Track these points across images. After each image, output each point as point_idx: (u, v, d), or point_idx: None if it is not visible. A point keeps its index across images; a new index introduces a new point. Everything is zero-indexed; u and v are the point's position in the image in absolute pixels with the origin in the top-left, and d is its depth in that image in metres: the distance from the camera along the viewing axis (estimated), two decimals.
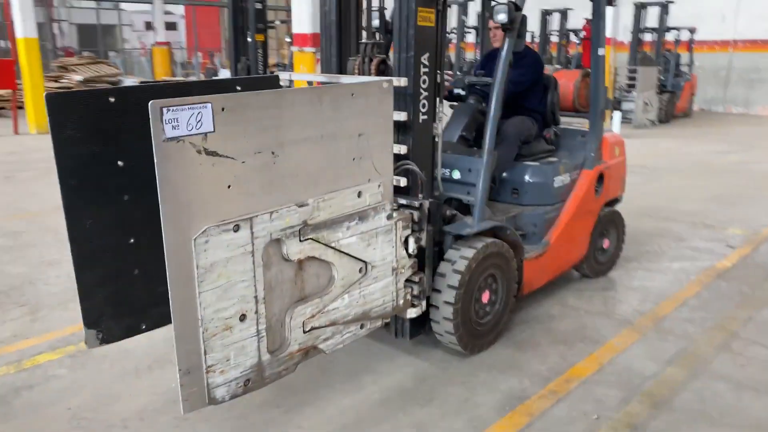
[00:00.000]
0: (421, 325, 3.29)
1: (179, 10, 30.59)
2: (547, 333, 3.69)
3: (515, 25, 3.26)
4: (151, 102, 1.97)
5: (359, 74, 3.20)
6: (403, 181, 3.02)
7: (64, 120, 2.50)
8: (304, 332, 2.57)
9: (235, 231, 2.23)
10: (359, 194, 2.68)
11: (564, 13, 15.83)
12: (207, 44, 29.05)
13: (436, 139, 3.17)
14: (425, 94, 3.04)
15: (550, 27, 16.19)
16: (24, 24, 11.85)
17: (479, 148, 3.70)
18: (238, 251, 2.25)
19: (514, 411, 2.89)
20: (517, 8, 3.25)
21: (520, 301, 3.93)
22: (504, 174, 3.95)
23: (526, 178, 3.91)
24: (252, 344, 2.38)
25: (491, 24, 3.98)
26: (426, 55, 3.01)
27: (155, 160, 2.01)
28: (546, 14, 15.82)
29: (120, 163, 2.67)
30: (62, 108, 2.50)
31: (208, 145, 2.12)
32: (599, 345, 3.54)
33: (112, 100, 2.62)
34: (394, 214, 2.86)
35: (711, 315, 3.95)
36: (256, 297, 2.35)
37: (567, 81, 4.48)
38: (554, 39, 16.55)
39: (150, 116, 1.97)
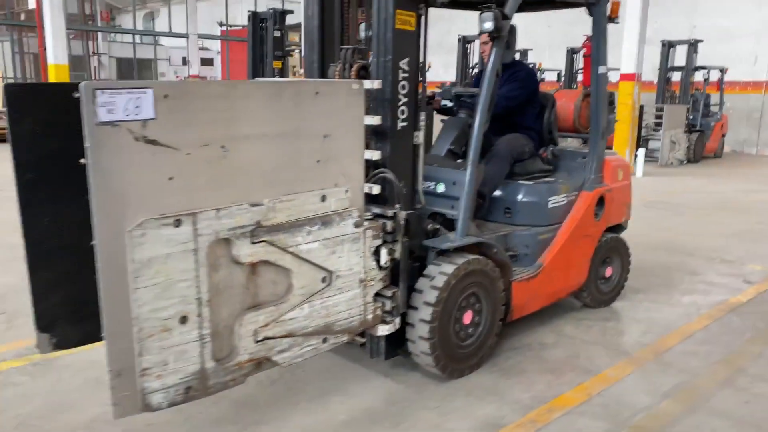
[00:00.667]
0: (398, 344, 3.10)
1: (216, 45, 31.43)
2: (536, 361, 3.45)
3: (502, 33, 3.13)
4: (82, 83, 1.89)
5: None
6: (377, 189, 2.86)
7: (25, 112, 2.42)
8: (256, 342, 2.42)
9: (176, 226, 2.11)
10: (323, 198, 2.54)
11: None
12: (239, 77, 29.67)
13: (418, 149, 3.03)
14: (404, 100, 2.92)
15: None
16: (55, 51, 12.23)
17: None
18: (178, 248, 2.12)
19: None
20: (505, 17, 3.12)
21: (511, 326, 3.71)
22: (497, 192, 3.78)
23: (519, 197, 3.74)
24: (194, 349, 2.23)
25: (483, 38, 3.86)
26: (405, 60, 2.89)
27: (86, 145, 1.91)
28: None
29: (83, 160, 2.60)
30: (22, 100, 2.42)
31: (148, 132, 2.01)
32: (591, 375, 3.29)
33: (76, 95, 2.56)
34: (365, 222, 2.72)
35: (718, 349, 3.67)
36: (199, 299, 2.20)
37: (568, 101, 4.31)
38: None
39: (82, 98, 1.88)
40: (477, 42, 12.02)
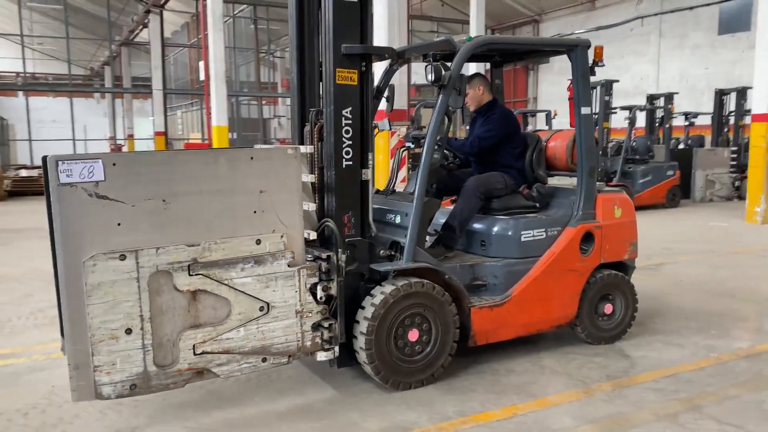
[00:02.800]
0: (351, 356, 3.53)
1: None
2: (491, 384, 3.66)
3: (444, 82, 3.57)
4: (48, 156, 2.70)
5: (309, 140, 3.65)
6: (314, 235, 3.40)
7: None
8: (195, 354, 3.03)
9: (122, 259, 2.82)
10: (258, 242, 3.13)
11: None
12: None
13: (366, 184, 3.51)
14: (349, 143, 3.42)
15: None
16: (218, 114, 14.26)
17: (435, 198, 3.97)
18: (123, 276, 2.83)
19: None
20: (446, 68, 3.56)
21: (489, 353, 3.99)
22: (477, 226, 4.10)
23: (491, 230, 4.02)
24: (137, 355, 2.91)
25: (467, 89, 4.30)
26: (348, 109, 3.41)
27: (50, 200, 2.71)
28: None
29: None
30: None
31: (99, 190, 2.77)
32: (532, 399, 3.46)
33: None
34: (305, 262, 3.26)
35: (691, 388, 3.61)
36: (141, 316, 2.89)
37: (561, 141, 4.48)
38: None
39: (49, 167, 2.69)
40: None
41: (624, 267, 4.40)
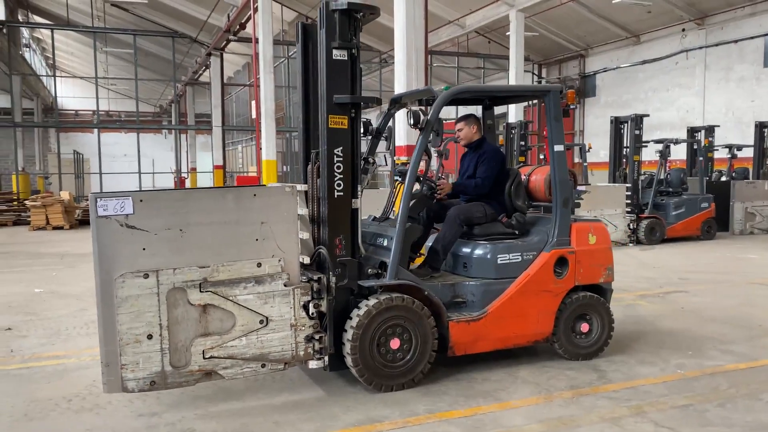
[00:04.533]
0: (342, 362, 4.04)
1: None
2: (464, 389, 4.11)
3: (421, 126, 4.17)
4: (90, 193, 3.40)
5: (310, 177, 4.23)
6: (307, 260, 3.98)
7: None
8: (204, 358, 3.65)
9: (145, 278, 3.48)
10: (259, 265, 3.74)
11: None
12: None
13: (356, 212, 4.08)
14: (340, 176, 4.00)
15: None
16: (267, 149, 15.20)
17: (428, 224, 4.56)
18: (146, 291, 3.48)
19: (359, 427, 3.56)
20: (424, 113, 4.16)
21: (470, 365, 4.46)
22: (465, 250, 4.61)
23: (471, 253, 4.53)
24: (157, 357, 3.54)
25: (457, 126, 4.89)
26: (339, 149, 4.00)
27: (91, 229, 3.40)
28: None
29: None
30: None
31: (129, 221, 3.45)
32: (496, 402, 3.91)
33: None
34: (300, 283, 3.85)
35: (644, 398, 3.97)
36: (160, 324, 3.53)
37: (540, 176, 4.94)
38: None
39: (90, 202, 3.39)
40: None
41: (601, 290, 4.79)
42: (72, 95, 29.26)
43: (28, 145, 27.05)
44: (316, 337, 3.90)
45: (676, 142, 13.26)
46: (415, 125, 4.16)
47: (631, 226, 12.02)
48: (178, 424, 3.62)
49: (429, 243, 4.80)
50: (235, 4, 19.80)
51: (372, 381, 3.99)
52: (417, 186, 4.74)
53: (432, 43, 22.14)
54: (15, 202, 18.76)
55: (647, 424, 3.59)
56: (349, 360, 3.95)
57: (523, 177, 5.00)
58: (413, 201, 4.62)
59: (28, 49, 27.42)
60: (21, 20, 25.73)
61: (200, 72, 27.12)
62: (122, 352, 3.47)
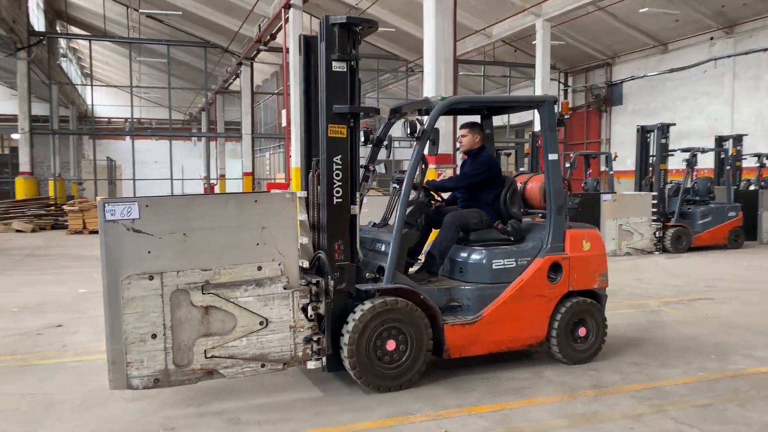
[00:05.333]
0: (340, 363, 4.15)
1: None
2: (492, 387, 4.29)
3: (418, 135, 4.29)
4: (99, 199, 3.59)
5: (311, 185, 4.38)
6: (306, 264, 4.13)
7: None
8: (206, 357, 3.80)
9: (150, 280, 3.65)
10: (259, 268, 3.88)
11: None
12: None
13: (355, 218, 4.20)
14: (339, 184, 4.13)
15: None
16: (296, 156, 15.42)
17: (426, 230, 4.71)
18: (151, 292, 3.65)
19: (393, 419, 3.74)
20: (420, 123, 4.30)
21: (491, 363, 4.63)
22: (456, 255, 4.71)
23: (467, 259, 4.62)
24: (160, 356, 3.70)
25: (460, 133, 4.98)
26: (338, 157, 4.12)
27: (99, 233, 3.59)
28: None
29: None
30: None
31: (135, 226, 3.63)
32: (523, 399, 4.07)
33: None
34: (299, 286, 3.98)
35: (666, 397, 4.07)
36: (164, 324, 3.69)
37: (536, 184, 5.04)
38: None
39: (99, 207, 3.58)
40: (655, 132, 12.19)
41: (596, 295, 4.85)
42: (106, 103, 30.08)
43: (63, 152, 27.88)
44: (315, 338, 4.02)
45: (704, 150, 13.14)
46: (411, 134, 4.28)
47: (657, 235, 12.01)
48: (224, 414, 3.85)
49: (427, 248, 4.90)
50: (266, 16, 20.19)
51: (368, 382, 4.10)
52: (414, 193, 4.86)
53: (459, 52, 22.24)
54: (52, 207, 19.36)
55: (668, 421, 3.71)
56: (346, 361, 4.07)
57: (519, 185, 5.08)
58: (411, 208, 4.73)
59: (65, 58, 28.28)
60: (59, 31, 26.59)
61: (230, 81, 27.64)
62: (128, 350, 3.64)
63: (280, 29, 18.94)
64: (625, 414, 3.82)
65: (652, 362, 4.84)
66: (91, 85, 26.24)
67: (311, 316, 4.01)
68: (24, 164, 21.10)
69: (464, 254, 4.68)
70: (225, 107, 30.90)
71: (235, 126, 28.96)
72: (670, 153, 12.39)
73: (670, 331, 5.82)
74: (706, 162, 15.71)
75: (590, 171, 16.14)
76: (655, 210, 11.98)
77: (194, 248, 3.76)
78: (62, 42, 27.32)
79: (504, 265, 4.55)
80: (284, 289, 3.94)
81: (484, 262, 4.55)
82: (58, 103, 25.40)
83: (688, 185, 12.94)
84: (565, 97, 25.02)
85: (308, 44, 4.38)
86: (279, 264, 3.93)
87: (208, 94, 28.77)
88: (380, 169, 4.76)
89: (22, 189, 20.76)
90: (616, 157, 15.12)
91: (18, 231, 16.01)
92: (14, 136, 24.70)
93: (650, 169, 12.61)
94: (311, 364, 4.05)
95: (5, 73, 25.22)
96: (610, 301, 7.23)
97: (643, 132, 12.65)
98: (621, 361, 4.83)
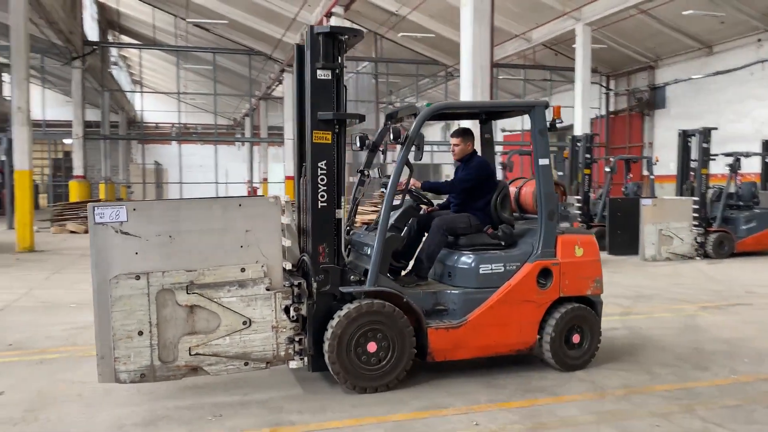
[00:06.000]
0: (324, 363, 4.26)
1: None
2: (523, 384, 4.44)
3: (401, 141, 4.37)
4: (89, 204, 3.80)
5: (301, 190, 4.49)
6: (289, 266, 4.25)
7: None
8: (190, 355, 3.96)
9: (137, 279, 3.84)
10: (243, 269, 4.03)
11: None
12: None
13: (339, 222, 4.29)
14: (323, 188, 4.25)
15: None
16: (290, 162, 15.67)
17: (402, 235, 4.72)
18: (137, 291, 3.84)
19: (426, 411, 3.95)
20: (405, 129, 4.37)
21: (524, 363, 4.78)
22: (445, 259, 4.75)
23: (455, 263, 4.66)
24: (146, 352, 3.88)
25: (452, 141, 5.03)
26: (323, 162, 4.24)
27: (90, 235, 3.79)
28: None
29: None
30: None
31: (123, 228, 3.82)
32: (552, 396, 4.21)
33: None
34: (282, 287, 4.10)
35: (696, 398, 4.18)
36: (150, 322, 3.87)
37: (529, 188, 5.04)
38: None
39: (89, 211, 3.78)
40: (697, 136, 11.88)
41: (590, 302, 4.80)
42: (154, 109, 31.12)
43: (113, 156, 28.95)
44: (297, 338, 4.14)
45: (747, 155, 12.79)
46: (395, 140, 4.35)
47: (698, 240, 11.84)
48: (268, 403, 4.11)
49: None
50: (308, 24, 20.58)
51: (347, 381, 4.19)
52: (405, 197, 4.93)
53: (498, 56, 22.13)
54: None
55: (695, 420, 3.77)
56: (329, 363, 4.17)
57: (514, 189, 5.08)
58: (399, 212, 4.80)
59: (116, 66, 29.39)
60: (111, 41, 27.67)
61: (273, 87, 28.17)
62: (115, 346, 3.83)
63: None
64: (652, 412, 3.91)
65: (684, 364, 4.90)
66: (141, 92, 27.21)
67: (293, 316, 4.12)
68: (77, 168, 21.97)
69: (453, 258, 4.72)
70: (268, 113, 31.48)
71: (277, 131, 29.47)
72: (712, 157, 12.10)
73: (705, 335, 5.82)
74: (753, 166, 15.17)
75: (630, 175, 15.78)
76: (696, 215, 11.83)
77: (180, 250, 3.93)
78: (113, 51, 28.38)
79: (491, 269, 4.56)
80: (267, 290, 4.07)
81: (470, 266, 4.57)
82: (109, 109, 26.40)
83: (732, 190, 12.63)
84: (607, 101, 24.55)
85: (301, 52, 4.51)
86: (262, 266, 4.07)
87: (252, 100, 29.40)
88: (373, 173, 4.85)
89: (75, 192, 21.61)
90: (657, 161, 14.75)
91: (72, 232, 16.67)
92: (68, 141, 25.78)
93: (691, 173, 12.37)
94: (293, 364, 4.17)
95: (60, 81, 26.34)
96: (646, 304, 7.37)
97: (685, 136, 12.40)
98: (653, 363, 4.91)
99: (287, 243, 4.30)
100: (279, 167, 30.55)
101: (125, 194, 28.40)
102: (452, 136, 5.14)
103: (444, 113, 5.14)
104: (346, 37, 4.25)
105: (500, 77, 25.78)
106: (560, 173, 19.42)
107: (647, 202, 11.75)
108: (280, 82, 26.88)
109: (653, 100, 22.17)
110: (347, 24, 20.41)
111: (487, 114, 5.39)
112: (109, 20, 26.74)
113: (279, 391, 4.36)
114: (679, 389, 4.31)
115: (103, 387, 4.22)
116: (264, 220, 4.09)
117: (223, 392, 4.31)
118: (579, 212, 13.29)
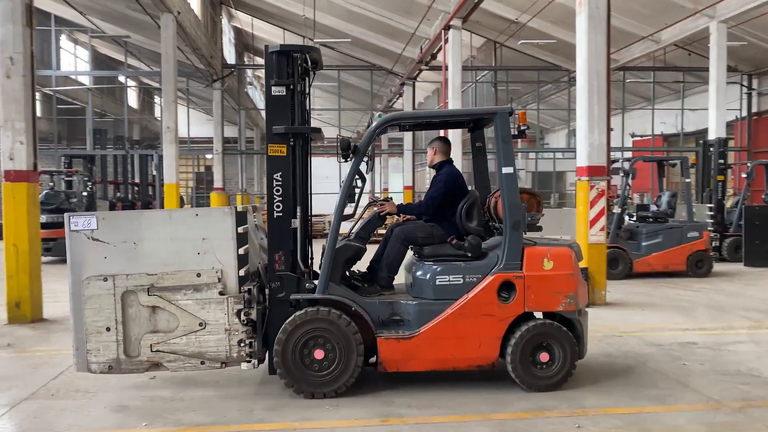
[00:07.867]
0: None
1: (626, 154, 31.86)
2: (632, 392, 4.48)
3: (349, 153, 4.46)
4: (65, 213, 4.33)
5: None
6: (243, 272, 4.42)
7: None
8: (152, 351, 4.35)
9: (105, 281, 4.31)
10: (198, 275, 4.35)
11: None
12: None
13: (296, 231, 4.48)
14: (279, 198, 4.46)
15: None
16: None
17: (362, 245, 4.77)
18: (105, 292, 4.30)
19: (530, 413, 4.12)
20: (354, 141, 4.49)
21: (628, 371, 4.89)
22: (410, 270, 4.74)
23: (414, 273, 4.62)
24: (113, 346, 4.33)
25: (429, 149, 5.06)
26: (279, 174, 4.46)
27: (66, 241, 4.32)
28: None
29: None
30: None
31: (94, 235, 4.31)
32: (661, 405, 4.22)
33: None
34: (236, 293, 4.38)
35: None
36: (116, 320, 4.32)
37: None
38: None
39: (65, 220, 4.32)
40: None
41: (565, 319, 4.52)
42: None
43: (248, 169, 31.18)
44: (247, 341, 4.38)
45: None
46: (344, 151, 4.45)
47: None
48: (380, 396, 4.44)
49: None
50: (427, 37, 20.95)
51: (293, 386, 4.34)
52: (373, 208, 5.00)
53: (625, 59, 21.04)
54: None
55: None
56: (277, 367, 4.36)
57: (494, 200, 4.93)
58: (366, 222, 4.88)
59: (251, 86, 31.70)
60: (247, 63, 29.95)
61: (394, 100, 28.85)
62: (87, 339, 4.32)
63: (440, 49, 19.51)
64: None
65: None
66: None
67: (244, 320, 4.37)
68: (217, 181, 24.08)
69: (413, 269, 4.71)
70: None
71: (397, 142, 30.15)
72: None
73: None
74: None
75: None
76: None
77: (142, 255, 4.34)
78: (249, 72, 30.67)
79: (449, 281, 4.48)
80: (220, 294, 4.36)
81: (427, 277, 4.54)
82: (245, 125, 28.57)
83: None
84: (749, 102, 22.26)
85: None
86: (217, 272, 4.36)
87: (374, 114, 30.27)
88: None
89: (215, 202, 23.69)
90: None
91: None
92: (208, 156, 28.26)
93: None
94: (245, 366, 4.41)
95: (201, 101, 28.97)
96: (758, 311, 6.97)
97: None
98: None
99: (241, 251, 4.56)
100: (398, 177, 31.14)
101: (259, 203, 30.51)
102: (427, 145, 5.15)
103: (400, 124, 5.12)
104: (300, 53, 4.45)
105: (629, 81, 24.41)
106: (687, 180, 18.11)
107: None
108: (401, 95, 27.50)
109: None
110: (465, 35, 20.50)
111: (476, 122, 5.29)
112: (245, 43, 28.99)
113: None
114: None
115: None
116: (219, 229, 4.38)
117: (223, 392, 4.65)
118: (712, 221, 12.47)
